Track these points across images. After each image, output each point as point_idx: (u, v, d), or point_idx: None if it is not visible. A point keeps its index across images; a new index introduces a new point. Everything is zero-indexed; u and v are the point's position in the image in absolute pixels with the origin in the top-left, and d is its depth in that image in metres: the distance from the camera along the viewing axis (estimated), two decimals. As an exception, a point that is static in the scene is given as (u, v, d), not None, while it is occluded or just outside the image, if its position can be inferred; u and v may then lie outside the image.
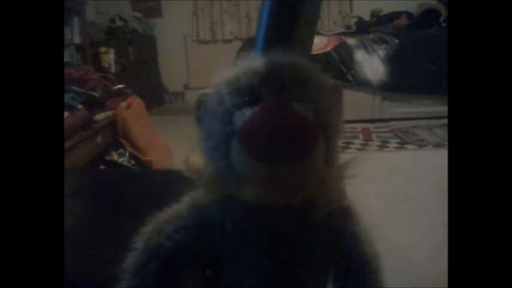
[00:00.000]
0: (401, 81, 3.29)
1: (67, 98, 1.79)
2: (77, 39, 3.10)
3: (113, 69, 3.41)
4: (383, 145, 2.90)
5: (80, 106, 1.88)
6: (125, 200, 1.00)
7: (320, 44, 3.28)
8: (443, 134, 3.03)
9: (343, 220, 0.55)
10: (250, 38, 3.41)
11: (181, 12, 4.37)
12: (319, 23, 3.82)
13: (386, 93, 3.35)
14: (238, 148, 0.44)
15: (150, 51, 4.30)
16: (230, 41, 4.40)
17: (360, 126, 3.24)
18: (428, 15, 3.53)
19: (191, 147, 0.51)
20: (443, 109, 3.28)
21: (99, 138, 1.98)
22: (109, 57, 3.45)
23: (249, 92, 0.46)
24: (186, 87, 4.46)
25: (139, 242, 0.55)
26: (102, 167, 1.89)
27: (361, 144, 2.92)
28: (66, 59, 2.78)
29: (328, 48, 3.31)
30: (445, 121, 3.21)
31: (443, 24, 3.47)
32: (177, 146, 2.25)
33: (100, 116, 2.00)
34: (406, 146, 2.87)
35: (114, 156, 1.96)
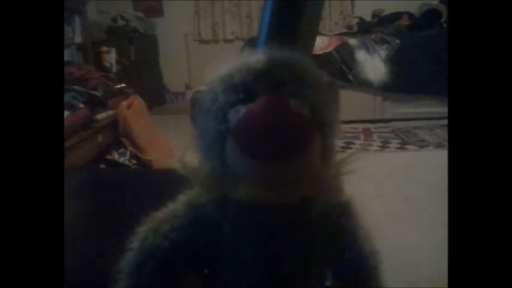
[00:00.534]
0: (403, 82, 3.29)
1: (68, 97, 1.79)
2: (78, 39, 3.10)
3: (114, 69, 3.41)
4: (384, 145, 2.90)
5: (81, 105, 1.88)
6: (126, 199, 1.01)
7: (321, 44, 3.28)
8: (444, 134, 3.03)
9: (341, 218, 0.55)
10: (252, 38, 3.41)
11: (183, 11, 4.37)
12: (320, 23, 3.83)
13: (388, 94, 3.34)
14: (233, 146, 0.43)
15: (152, 51, 4.30)
16: (231, 41, 4.40)
17: (360, 126, 3.24)
18: (430, 16, 3.53)
19: (186, 146, 0.51)
20: (444, 110, 3.27)
21: (100, 138, 1.98)
22: (110, 57, 3.45)
23: (243, 89, 0.45)
24: (187, 87, 4.46)
25: (135, 242, 0.54)
26: (102, 166, 1.89)
27: (361, 144, 2.92)
28: (67, 58, 2.78)
29: (329, 49, 3.31)
30: (446, 122, 3.21)
31: (445, 25, 3.47)
32: (178, 146, 2.25)
33: (101, 115, 2.00)
34: (407, 146, 2.87)
35: (115, 156, 1.96)
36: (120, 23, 3.84)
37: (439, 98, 3.25)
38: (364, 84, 3.31)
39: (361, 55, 3.34)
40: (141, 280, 0.54)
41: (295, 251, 0.52)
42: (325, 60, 3.24)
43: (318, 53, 3.23)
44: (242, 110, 0.44)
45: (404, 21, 3.64)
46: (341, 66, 3.28)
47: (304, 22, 0.65)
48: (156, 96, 4.21)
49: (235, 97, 0.45)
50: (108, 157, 1.96)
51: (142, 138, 2.08)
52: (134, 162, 2.00)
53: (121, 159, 1.95)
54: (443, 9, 3.53)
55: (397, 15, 3.74)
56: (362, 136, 3.06)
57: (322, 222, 0.53)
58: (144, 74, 3.95)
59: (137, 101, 2.27)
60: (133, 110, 2.17)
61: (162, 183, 1.06)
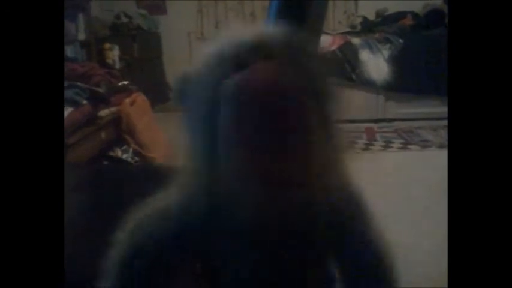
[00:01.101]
0: (406, 81, 3.28)
1: (71, 93, 1.79)
2: (82, 36, 3.10)
3: (117, 66, 3.41)
4: (386, 145, 2.89)
5: (84, 102, 1.88)
6: (128, 196, 1.01)
7: (325, 43, 3.27)
8: (447, 135, 3.02)
9: (348, 219, 0.54)
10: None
11: (186, 9, 4.37)
12: (324, 23, 3.82)
13: (391, 93, 3.34)
14: (227, 115, 0.44)
15: (155, 49, 4.30)
16: (234, 39, 4.39)
17: (363, 126, 3.23)
18: (434, 16, 3.51)
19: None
20: (447, 110, 3.26)
21: (103, 134, 1.98)
22: (113, 54, 3.45)
23: (236, 60, 0.45)
24: (191, 85, 4.45)
25: (122, 239, 0.54)
26: (105, 163, 1.89)
27: (364, 144, 2.92)
28: (70, 55, 2.78)
29: (332, 48, 3.30)
30: (449, 122, 3.20)
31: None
32: (180, 144, 2.24)
33: (104, 112, 2.01)
34: (409, 146, 2.86)
35: (118, 153, 1.96)
36: (124, 20, 3.84)
37: (442, 98, 3.24)
38: (367, 84, 3.30)
39: (364, 54, 3.33)
40: (129, 279, 0.53)
41: (295, 237, 0.51)
42: (328, 59, 3.23)
43: (321, 52, 3.22)
44: (236, 77, 0.44)
45: (408, 21, 3.62)
46: (344, 66, 3.27)
47: (309, 21, 0.65)
48: (159, 93, 4.21)
49: (229, 68, 0.45)
50: (111, 154, 1.96)
51: (145, 135, 2.08)
52: (137, 159, 2.00)
53: (124, 156, 1.96)
54: (447, 9, 3.52)
55: (400, 15, 3.73)
56: (365, 136, 3.05)
57: (328, 221, 0.52)
58: (147, 72, 3.95)
59: (141, 98, 2.27)
60: (136, 107, 2.17)
61: (164, 180, 1.06)
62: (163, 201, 0.53)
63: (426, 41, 3.32)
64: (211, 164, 0.46)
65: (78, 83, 1.90)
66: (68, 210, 0.54)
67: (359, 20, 3.89)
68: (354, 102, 3.28)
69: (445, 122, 3.19)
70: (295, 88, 0.44)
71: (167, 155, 2.11)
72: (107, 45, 3.43)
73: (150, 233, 0.52)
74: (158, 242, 0.52)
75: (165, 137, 2.39)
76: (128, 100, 2.14)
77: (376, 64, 3.31)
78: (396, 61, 3.30)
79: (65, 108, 1.62)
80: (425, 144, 2.87)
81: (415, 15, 3.68)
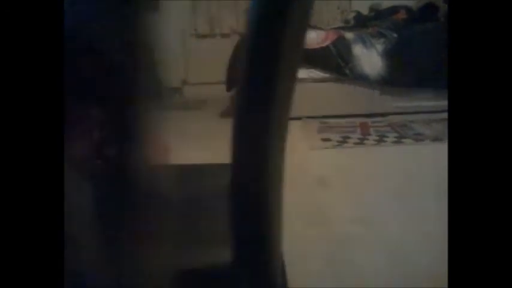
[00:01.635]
0: (399, 76, 3.28)
1: (63, 92, 1.77)
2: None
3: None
4: (380, 139, 2.90)
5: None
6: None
7: (318, 38, 3.27)
8: (441, 128, 3.03)
9: None
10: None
11: (179, 6, 4.35)
12: (317, 18, 3.80)
13: (384, 88, 3.34)
14: None
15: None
16: (228, 35, 4.38)
17: (357, 120, 3.24)
18: (427, 10, 3.52)
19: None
20: (441, 103, 3.27)
21: (95, 133, 1.96)
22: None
23: None
24: (184, 82, 4.45)
25: None
26: (98, 161, 1.88)
27: (359, 138, 2.92)
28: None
29: (326, 43, 3.30)
30: (443, 115, 3.21)
31: (442, 19, 3.46)
32: (174, 142, 2.24)
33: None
34: (403, 140, 2.87)
35: (111, 151, 1.95)
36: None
37: (436, 91, 3.25)
38: (360, 78, 3.30)
39: (357, 49, 3.33)
40: None
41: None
42: (321, 54, 3.23)
43: (315, 47, 3.22)
44: None
45: (402, 15, 3.63)
46: (337, 61, 3.27)
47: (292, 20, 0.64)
48: (153, 91, 4.19)
49: None
50: (105, 152, 1.95)
51: (138, 133, 2.07)
52: (130, 157, 1.99)
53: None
54: (440, 3, 3.52)
55: (394, 9, 3.73)
56: (359, 130, 3.06)
57: None
58: (140, 69, 3.92)
59: (133, 96, 2.26)
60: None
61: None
62: None
63: (420, 35, 3.33)
64: None
65: (70, 82, 1.88)
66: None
67: (352, 14, 3.89)
68: (347, 97, 3.29)
69: (439, 115, 3.20)
70: None
71: (161, 152, 2.10)
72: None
73: None
74: None
75: (158, 135, 2.38)
76: (120, 98, 2.13)
77: (370, 58, 3.32)
78: (390, 55, 3.30)
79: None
80: (418, 138, 2.88)
81: (408, 9, 3.68)
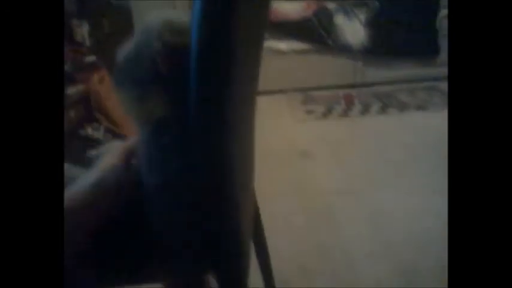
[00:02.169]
0: (383, 45, 3.24)
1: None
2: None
3: (87, 43, 3.29)
4: (365, 110, 2.88)
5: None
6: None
7: (299, 8, 3.20)
8: (425, 96, 3.02)
9: None
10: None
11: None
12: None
13: (368, 58, 3.30)
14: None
15: (126, 24, 4.16)
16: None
17: (342, 91, 3.21)
18: (409, -23, 3.46)
19: None
20: (424, 72, 3.26)
21: (72, 113, 1.92)
22: (82, 30, 3.33)
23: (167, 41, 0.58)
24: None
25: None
26: (76, 142, 1.84)
27: (343, 109, 2.90)
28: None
29: (307, 13, 3.24)
30: (427, 84, 3.20)
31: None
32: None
33: (71, 91, 1.94)
34: (388, 109, 2.86)
35: (89, 131, 1.91)
36: (91, -6, 3.69)
37: (419, 60, 3.23)
38: (343, 49, 3.26)
39: (339, 19, 3.27)
40: None
41: None
42: (303, 25, 3.18)
43: (296, 18, 3.16)
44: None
45: (383, -17, 3.56)
46: (320, 31, 3.22)
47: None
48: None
49: (161, 45, 0.57)
50: (82, 133, 1.91)
51: (116, 112, 2.02)
52: (109, 136, 1.95)
53: (95, 134, 1.91)
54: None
55: (375, -23, 3.66)
56: (343, 101, 3.03)
57: None
58: (118, 48, 3.83)
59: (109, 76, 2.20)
60: (106, 85, 2.10)
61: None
62: None
63: (403, 3, 3.28)
64: None
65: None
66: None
67: (334, -17, 3.81)
68: (331, 69, 3.25)
69: (422, 84, 3.19)
70: None
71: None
72: (75, 22, 3.30)
73: None
74: None
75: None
76: (96, 77, 2.07)
77: (353, 28, 3.27)
78: (372, 25, 3.25)
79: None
80: (403, 107, 2.87)
81: (390, -24, 3.62)
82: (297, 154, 2.33)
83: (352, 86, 3.29)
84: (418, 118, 2.70)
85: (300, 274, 1.44)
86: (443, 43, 3.19)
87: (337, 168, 2.16)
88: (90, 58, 2.16)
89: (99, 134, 1.92)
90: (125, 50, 0.61)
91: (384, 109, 2.87)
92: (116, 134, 1.95)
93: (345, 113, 2.86)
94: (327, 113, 2.86)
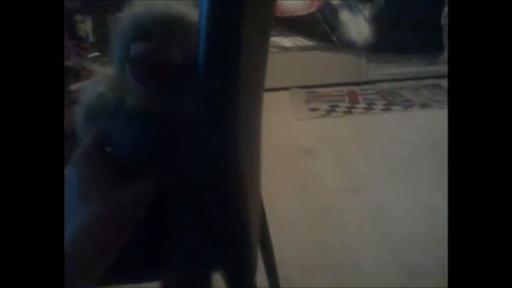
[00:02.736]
0: (387, 42, 3.23)
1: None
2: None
3: (91, 39, 3.29)
4: (369, 107, 2.87)
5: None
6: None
7: (304, 4, 3.19)
8: (429, 94, 3.00)
9: None
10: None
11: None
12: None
13: (372, 55, 3.29)
14: (129, 73, 0.55)
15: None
16: None
17: (346, 89, 3.20)
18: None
19: None
20: (429, 69, 3.24)
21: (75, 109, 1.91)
22: (86, 26, 3.33)
23: (145, 30, 0.54)
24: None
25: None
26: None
27: (347, 107, 2.89)
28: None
29: (312, 9, 3.22)
30: (431, 81, 3.18)
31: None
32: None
33: (75, 86, 1.93)
34: (392, 107, 2.84)
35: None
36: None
37: (424, 57, 3.21)
38: (348, 45, 3.24)
39: (344, 15, 3.25)
40: None
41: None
42: (307, 21, 3.16)
43: (301, 14, 3.15)
44: (140, 46, 0.54)
45: (388, -21, 3.54)
46: (324, 27, 3.20)
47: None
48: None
49: (138, 34, 0.55)
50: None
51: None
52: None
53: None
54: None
55: (380, -27, 3.64)
56: (347, 99, 3.02)
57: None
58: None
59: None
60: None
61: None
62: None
63: (407, 0, 3.26)
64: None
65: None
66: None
67: (338, -21, 3.79)
68: (335, 66, 3.23)
69: (427, 81, 3.17)
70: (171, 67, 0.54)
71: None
72: (79, 17, 3.30)
73: None
74: None
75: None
76: (100, 72, 2.07)
77: (357, 25, 3.25)
78: (377, 21, 3.23)
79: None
80: (407, 105, 2.85)
81: (395, -28, 3.60)
82: (301, 151, 2.32)
83: (357, 83, 3.28)
84: (423, 116, 2.68)
85: (302, 271, 1.44)
86: (449, 40, 3.17)
87: (341, 166, 2.15)
88: (94, 53, 2.15)
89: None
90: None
91: (388, 106, 2.85)
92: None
93: (349, 111, 2.84)
94: (331, 110, 2.85)
